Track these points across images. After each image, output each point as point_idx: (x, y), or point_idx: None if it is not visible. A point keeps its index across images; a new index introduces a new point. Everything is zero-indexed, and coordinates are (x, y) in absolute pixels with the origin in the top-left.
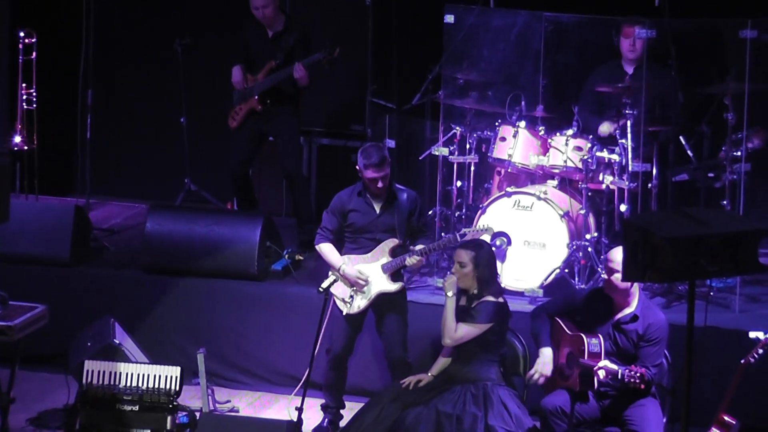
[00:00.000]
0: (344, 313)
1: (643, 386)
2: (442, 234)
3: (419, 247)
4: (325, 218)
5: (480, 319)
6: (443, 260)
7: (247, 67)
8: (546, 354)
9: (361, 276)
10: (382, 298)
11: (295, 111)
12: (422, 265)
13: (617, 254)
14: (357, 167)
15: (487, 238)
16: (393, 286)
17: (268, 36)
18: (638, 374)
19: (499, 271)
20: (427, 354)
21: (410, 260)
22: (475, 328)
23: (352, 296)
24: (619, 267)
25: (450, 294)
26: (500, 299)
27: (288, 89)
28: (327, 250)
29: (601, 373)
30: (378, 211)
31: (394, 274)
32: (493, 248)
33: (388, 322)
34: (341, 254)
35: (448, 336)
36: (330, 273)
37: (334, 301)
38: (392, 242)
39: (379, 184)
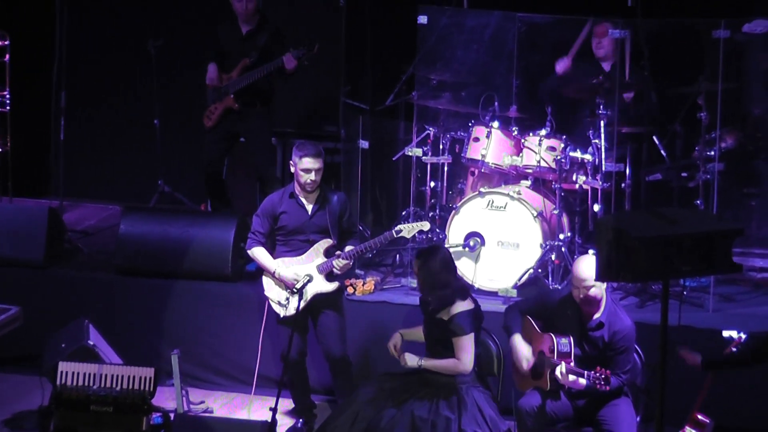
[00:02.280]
0: (281, 317)
1: (608, 388)
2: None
3: (348, 248)
4: (256, 222)
5: (463, 332)
6: None
7: (222, 66)
8: (516, 341)
9: (297, 278)
10: (318, 299)
11: (267, 111)
12: (350, 267)
13: (586, 271)
14: (291, 161)
15: (425, 227)
16: (329, 287)
17: (241, 34)
18: (603, 376)
19: (466, 273)
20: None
21: (337, 263)
22: (466, 340)
23: (288, 298)
24: (593, 281)
25: (416, 363)
26: (471, 304)
27: (263, 88)
28: (260, 254)
29: (562, 369)
30: (310, 212)
31: (330, 274)
32: (467, 248)
33: (325, 322)
34: (273, 257)
35: (464, 371)
36: (264, 276)
37: (270, 306)
38: (326, 243)
39: (313, 176)
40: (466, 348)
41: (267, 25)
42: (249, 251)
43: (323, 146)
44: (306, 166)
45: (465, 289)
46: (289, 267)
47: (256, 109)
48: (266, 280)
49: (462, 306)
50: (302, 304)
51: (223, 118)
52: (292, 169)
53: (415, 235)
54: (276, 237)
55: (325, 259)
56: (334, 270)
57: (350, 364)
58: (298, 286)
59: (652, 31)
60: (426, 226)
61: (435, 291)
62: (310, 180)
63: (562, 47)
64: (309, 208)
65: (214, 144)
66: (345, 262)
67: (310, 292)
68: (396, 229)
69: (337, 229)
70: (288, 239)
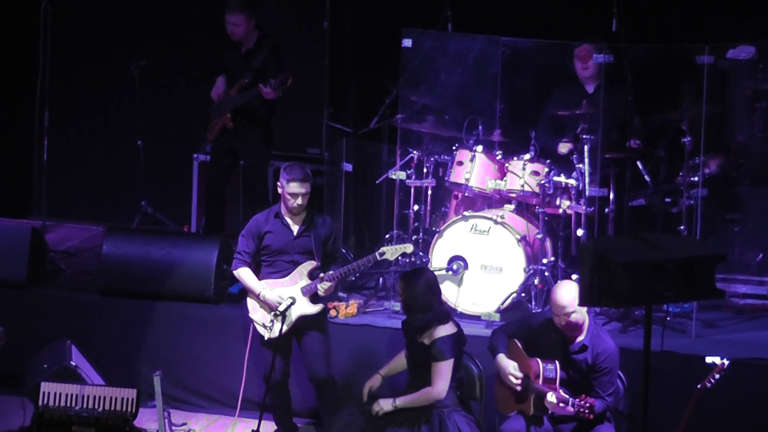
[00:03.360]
0: (266, 339)
1: (592, 416)
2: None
3: (331, 271)
4: (241, 242)
5: (443, 357)
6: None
7: (229, 81)
8: (501, 359)
9: (281, 300)
10: (302, 321)
11: (264, 135)
12: (333, 290)
13: (565, 298)
14: (278, 183)
15: (408, 249)
16: (313, 309)
17: (241, 52)
18: (588, 404)
19: (449, 296)
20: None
21: (321, 286)
22: (445, 366)
23: (272, 321)
24: (574, 306)
25: (391, 407)
26: (454, 328)
27: (259, 111)
28: (245, 275)
29: (552, 398)
30: (295, 233)
31: (314, 296)
32: (450, 272)
33: (309, 344)
34: (258, 278)
35: (437, 398)
36: (249, 298)
37: (254, 328)
38: (310, 264)
39: (300, 201)
40: (443, 374)
41: (265, 44)
42: (234, 272)
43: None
44: (293, 191)
45: (447, 314)
46: (274, 289)
47: (254, 131)
48: (251, 302)
49: (444, 330)
50: (285, 326)
51: (222, 134)
52: (280, 191)
53: (398, 258)
54: (261, 257)
55: (310, 281)
56: (319, 292)
57: (335, 385)
58: (281, 308)
59: (636, 56)
60: (409, 248)
61: (416, 313)
62: (297, 204)
63: (546, 71)
64: (294, 228)
65: (213, 159)
66: (329, 284)
67: (294, 314)
68: (379, 251)
69: (321, 251)
70: (273, 260)
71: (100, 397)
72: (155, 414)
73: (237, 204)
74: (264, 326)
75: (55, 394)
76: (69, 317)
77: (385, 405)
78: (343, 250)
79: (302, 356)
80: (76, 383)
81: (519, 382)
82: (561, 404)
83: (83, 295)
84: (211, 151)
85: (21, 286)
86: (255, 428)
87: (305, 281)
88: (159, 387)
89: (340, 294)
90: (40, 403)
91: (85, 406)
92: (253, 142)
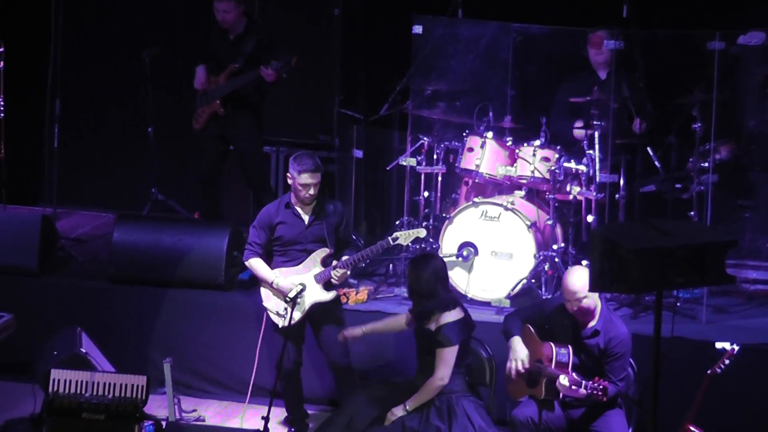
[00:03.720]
0: (280, 326)
1: (605, 399)
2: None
3: (345, 258)
4: (252, 233)
5: (449, 343)
6: None
7: (212, 69)
8: (516, 342)
9: (298, 288)
10: (316, 309)
11: (256, 120)
12: (347, 276)
13: (576, 283)
14: (288, 174)
15: (421, 233)
16: (327, 296)
17: (229, 39)
18: (601, 387)
19: (459, 283)
20: (395, 363)
21: (335, 273)
22: (449, 352)
23: (286, 309)
24: (585, 292)
25: (403, 411)
26: (461, 314)
27: (250, 96)
28: (257, 264)
29: (564, 381)
30: (306, 222)
31: (327, 284)
32: (460, 258)
33: (326, 332)
34: (271, 268)
35: (441, 386)
36: (262, 287)
37: (267, 316)
38: (323, 252)
39: (311, 191)
40: (446, 360)
41: (255, 31)
42: (246, 262)
43: (318, 155)
44: (304, 182)
45: (455, 300)
46: (287, 277)
47: (245, 117)
48: (264, 291)
49: (450, 316)
50: (299, 314)
51: (211, 122)
52: (290, 182)
53: (409, 244)
54: (273, 247)
55: (323, 269)
56: (332, 280)
57: (354, 372)
58: (291, 295)
59: (647, 42)
60: (422, 233)
61: (420, 299)
62: (309, 195)
63: (557, 58)
64: (306, 218)
65: (204, 148)
66: (342, 271)
67: (307, 301)
68: (392, 236)
69: (334, 238)
70: (285, 249)
71: (110, 384)
72: (165, 401)
73: (245, 193)
74: (278, 314)
75: (66, 381)
76: (79, 305)
77: (398, 412)
78: (353, 237)
79: (320, 345)
80: (87, 370)
81: (523, 371)
82: (573, 387)
83: (94, 283)
84: (201, 140)
85: (32, 274)
86: (265, 415)
87: (319, 268)
88: (169, 374)
89: (351, 280)
90: (51, 390)
91: (95, 393)
92: (245, 128)
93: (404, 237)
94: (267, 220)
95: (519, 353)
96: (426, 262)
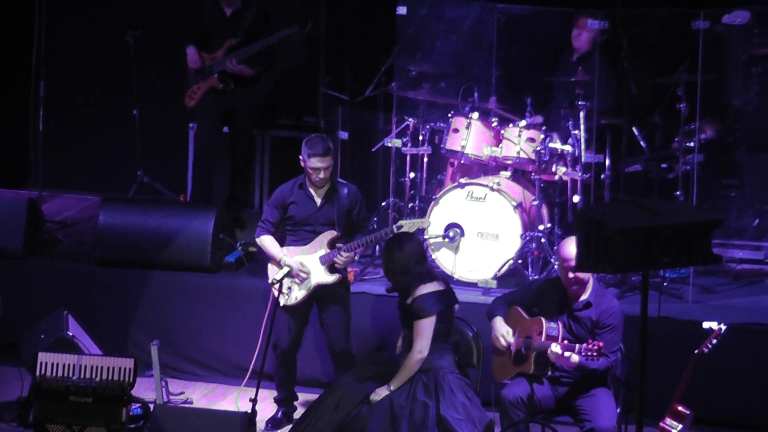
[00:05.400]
0: (281, 305)
1: (599, 360)
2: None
3: (351, 243)
4: (266, 211)
5: (424, 314)
6: None
7: (202, 47)
8: (496, 321)
9: (302, 268)
10: (321, 290)
11: (255, 97)
12: (352, 259)
13: (574, 250)
14: (300, 157)
15: (425, 224)
16: (331, 278)
17: (225, 14)
18: (596, 347)
19: (446, 264)
20: (384, 343)
21: (339, 258)
22: (425, 324)
23: (290, 287)
24: None
25: (386, 391)
26: (439, 287)
27: (246, 71)
28: (267, 242)
29: (556, 349)
30: (318, 204)
31: (332, 266)
32: (446, 239)
33: (329, 314)
34: (283, 246)
35: (421, 359)
36: (270, 264)
37: (273, 294)
38: (330, 234)
39: (321, 175)
40: (424, 331)
41: (253, 5)
42: (257, 239)
43: (302, 137)
44: (314, 166)
45: (431, 273)
46: (294, 256)
47: (245, 89)
48: (271, 268)
49: (426, 288)
50: (304, 292)
51: (207, 97)
52: (302, 165)
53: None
54: (285, 227)
55: (329, 251)
56: (336, 263)
57: (353, 357)
58: (277, 277)
59: (632, 21)
60: (426, 223)
61: (395, 276)
62: (320, 178)
63: (541, 38)
64: (318, 200)
65: (201, 126)
66: (347, 254)
67: (312, 282)
68: (397, 224)
69: (344, 221)
70: (296, 230)
71: (97, 367)
72: (153, 383)
73: (226, 174)
74: (281, 292)
75: (53, 364)
76: (65, 287)
77: (382, 392)
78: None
79: (322, 327)
80: (74, 353)
81: (506, 345)
82: (566, 353)
83: (80, 266)
84: (198, 118)
85: (17, 257)
86: (252, 397)
87: (324, 250)
88: (156, 356)
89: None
90: (38, 373)
91: (82, 376)
92: (245, 103)
93: (408, 225)
94: (281, 199)
95: (500, 329)
96: (401, 244)
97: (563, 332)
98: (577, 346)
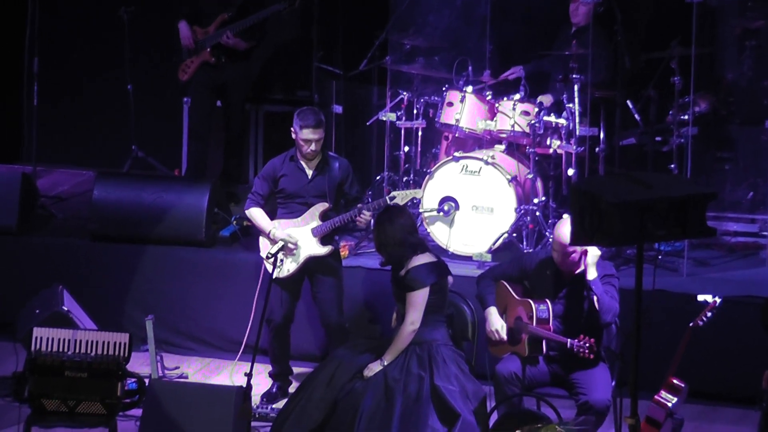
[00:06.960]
0: (273, 277)
1: (592, 356)
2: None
3: (343, 215)
4: (257, 183)
5: (418, 285)
6: None
7: (194, 21)
8: (490, 314)
9: (291, 239)
10: (312, 262)
11: (248, 67)
12: (369, 221)
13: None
14: (292, 128)
15: (419, 194)
16: (322, 250)
17: None
18: (587, 345)
19: (440, 237)
20: (378, 317)
21: (360, 219)
22: (418, 295)
23: (282, 260)
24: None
25: (380, 366)
26: (431, 258)
27: (241, 45)
28: (257, 214)
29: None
30: (309, 177)
31: (324, 238)
32: (441, 213)
33: (322, 288)
34: (274, 219)
35: (414, 331)
36: (261, 238)
37: (265, 268)
38: (322, 206)
39: (313, 147)
40: (417, 303)
41: None
42: (246, 211)
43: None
44: (306, 137)
45: (423, 245)
46: (285, 229)
47: (238, 63)
48: (262, 241)
49: (420, 260)
50: (295, 265)
51: (200, 71)
52: (293, 137)
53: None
54: (276, 200)
55: (321, 222)
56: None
57: (346, 331)
58: (272, 251)
59: None
60: (419, 193)
61: (386, 249)
62: (311, 150)
63: (535, 12)
64: (309, 172)
65: (195, 100)
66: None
67: (303, 254)
68: (390, 195)
69: (335, 194)
70: (287, 202)
71: (92, 342)
72: (148, 358)
73: (220, 148)
74: (276, 266)
75: (48, 339)
76: (60, 263)
77: (375, 367)
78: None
79: (314, 301)
80: (69, 328)
81: (501, 338)
82: (556, 346)
83: (74, 241)
84: (191, 92)
85: (12, 233)
86: (248, 371)
87: (316, 222)
88: (151, 331)
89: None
90: (33, 348)
91: (77, 351)
92: (237, 78)
93: (401, 197)
94: (271, 171)
95: (494, 323)
96: (392, 217)
97: (556, 309)
98: (569, 341)
